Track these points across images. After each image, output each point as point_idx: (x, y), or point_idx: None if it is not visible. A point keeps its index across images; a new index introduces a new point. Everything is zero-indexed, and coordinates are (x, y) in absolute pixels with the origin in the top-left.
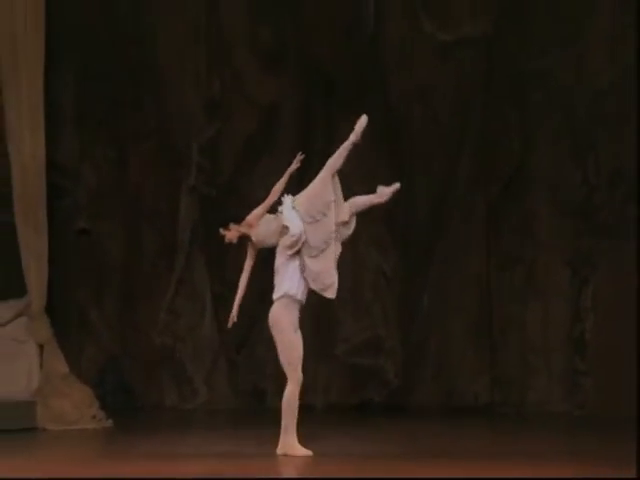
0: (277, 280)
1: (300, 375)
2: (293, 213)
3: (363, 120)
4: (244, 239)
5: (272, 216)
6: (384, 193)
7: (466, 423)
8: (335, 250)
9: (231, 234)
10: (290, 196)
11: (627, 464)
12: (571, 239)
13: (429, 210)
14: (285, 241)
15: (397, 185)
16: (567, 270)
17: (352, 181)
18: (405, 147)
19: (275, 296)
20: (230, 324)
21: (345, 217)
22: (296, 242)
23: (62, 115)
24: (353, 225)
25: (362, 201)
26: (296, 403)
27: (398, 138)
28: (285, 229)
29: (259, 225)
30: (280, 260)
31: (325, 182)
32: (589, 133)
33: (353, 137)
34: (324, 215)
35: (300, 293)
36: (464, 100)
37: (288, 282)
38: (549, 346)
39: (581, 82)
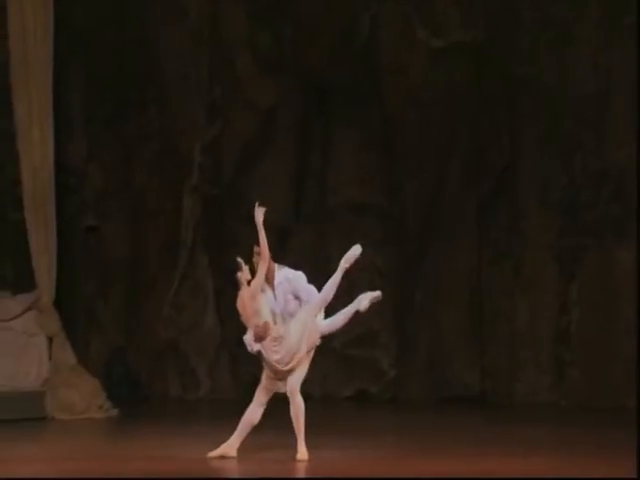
0: None
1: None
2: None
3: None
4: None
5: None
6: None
7: (457, 413)
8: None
9: (243, 276)
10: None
11: (611, 451)
12: (558, 236)
13: (422, 208)
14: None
15: (378, 293)
16: (554, 265)
17: (348, 183)
18: (399, 148)
19: None
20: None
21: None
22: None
23: (70, 117)
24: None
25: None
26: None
27: (392, 140)
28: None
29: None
30: None
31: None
32: (575, 135)
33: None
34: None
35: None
36: (455, 103)
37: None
38: (537, 338)
39: (567, 86)
